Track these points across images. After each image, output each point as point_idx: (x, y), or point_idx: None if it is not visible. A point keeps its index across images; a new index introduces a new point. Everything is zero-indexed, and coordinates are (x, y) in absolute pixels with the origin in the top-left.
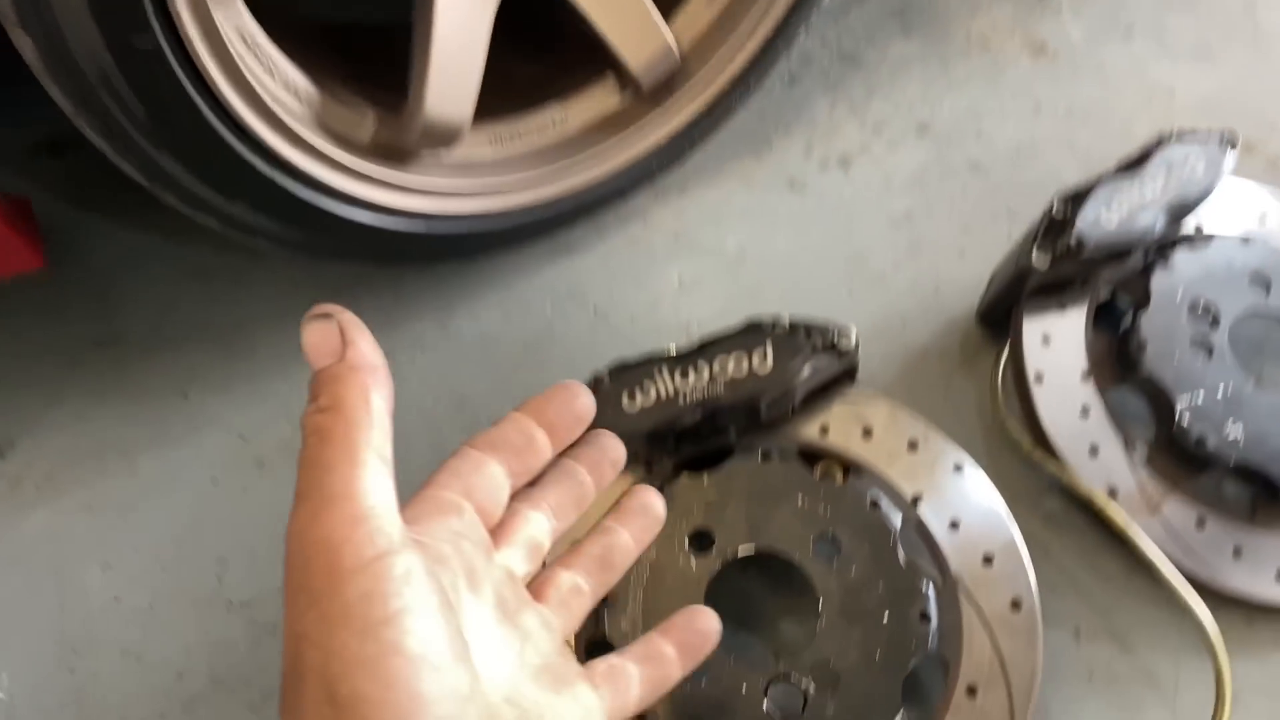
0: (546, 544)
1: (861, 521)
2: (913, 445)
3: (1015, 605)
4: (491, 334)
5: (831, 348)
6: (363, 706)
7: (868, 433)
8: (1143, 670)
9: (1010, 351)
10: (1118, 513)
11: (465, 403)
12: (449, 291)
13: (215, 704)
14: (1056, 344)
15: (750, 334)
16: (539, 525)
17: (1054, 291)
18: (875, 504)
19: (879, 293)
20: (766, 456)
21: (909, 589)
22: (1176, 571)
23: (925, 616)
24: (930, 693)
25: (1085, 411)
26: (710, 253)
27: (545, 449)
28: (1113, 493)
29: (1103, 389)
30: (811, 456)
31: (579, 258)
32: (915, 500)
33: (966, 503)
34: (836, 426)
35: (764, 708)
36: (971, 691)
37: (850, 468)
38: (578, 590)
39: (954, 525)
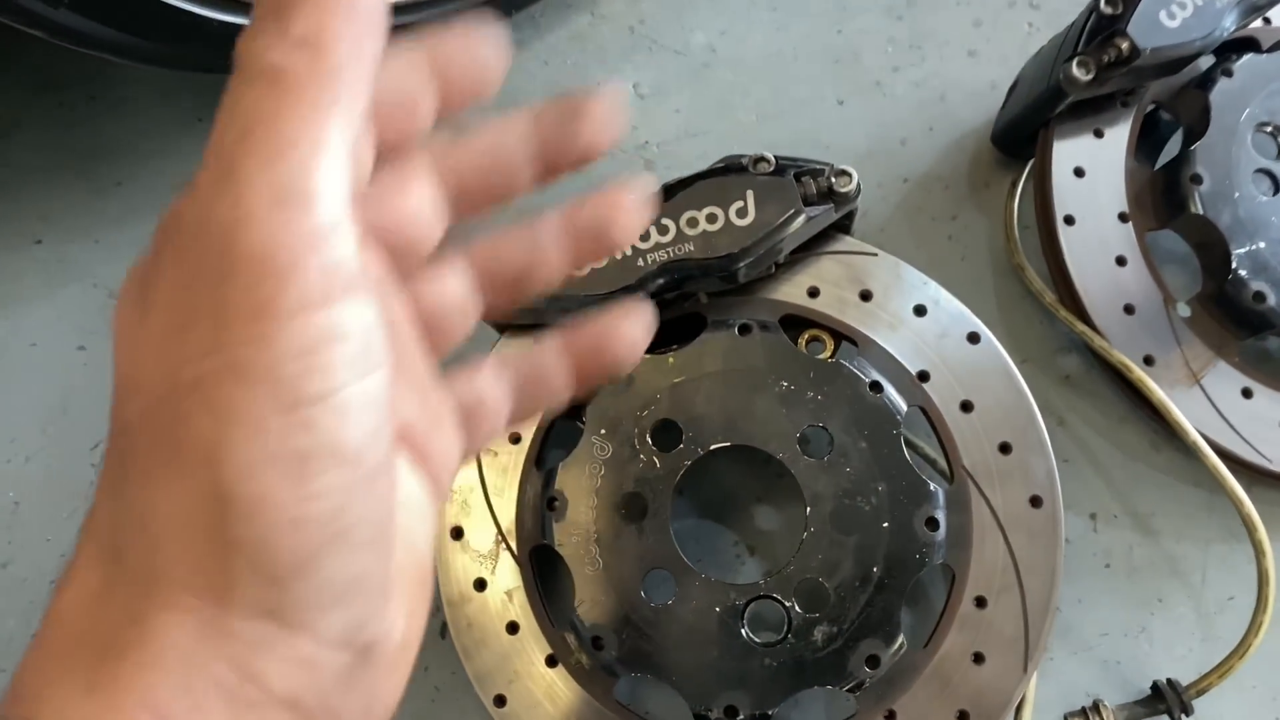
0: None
1: (859, 408)
2: (920, 311)
3: (1034, 502)
4: None
5: (827, 194)
6: (262, 522)
7: (865, 296)
8: (1167, 559)
9: (1036, 187)
10: (1151, 383)
11: None
12: None
13: None
14: (1092, 178)
15: (727, 177)
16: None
17: (1091, 112)
18: (876, 386)
19: (874, 102)
20: (745, 330)
21: (914, 490)
22: (1210, 450)
23: (933, 523)
24: (931, 603)
25: (1121, 260)
26: (673, 53)
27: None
28: (1148, 359)
29: (1142, 233)
30: (796, 324)
31: (513, 63)
32: (921, 377)
33: (982, 381)
34: (828, 289)
35: (740, 632)
36: (980, 602)
37: (843, 338)
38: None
39: (966, 407)
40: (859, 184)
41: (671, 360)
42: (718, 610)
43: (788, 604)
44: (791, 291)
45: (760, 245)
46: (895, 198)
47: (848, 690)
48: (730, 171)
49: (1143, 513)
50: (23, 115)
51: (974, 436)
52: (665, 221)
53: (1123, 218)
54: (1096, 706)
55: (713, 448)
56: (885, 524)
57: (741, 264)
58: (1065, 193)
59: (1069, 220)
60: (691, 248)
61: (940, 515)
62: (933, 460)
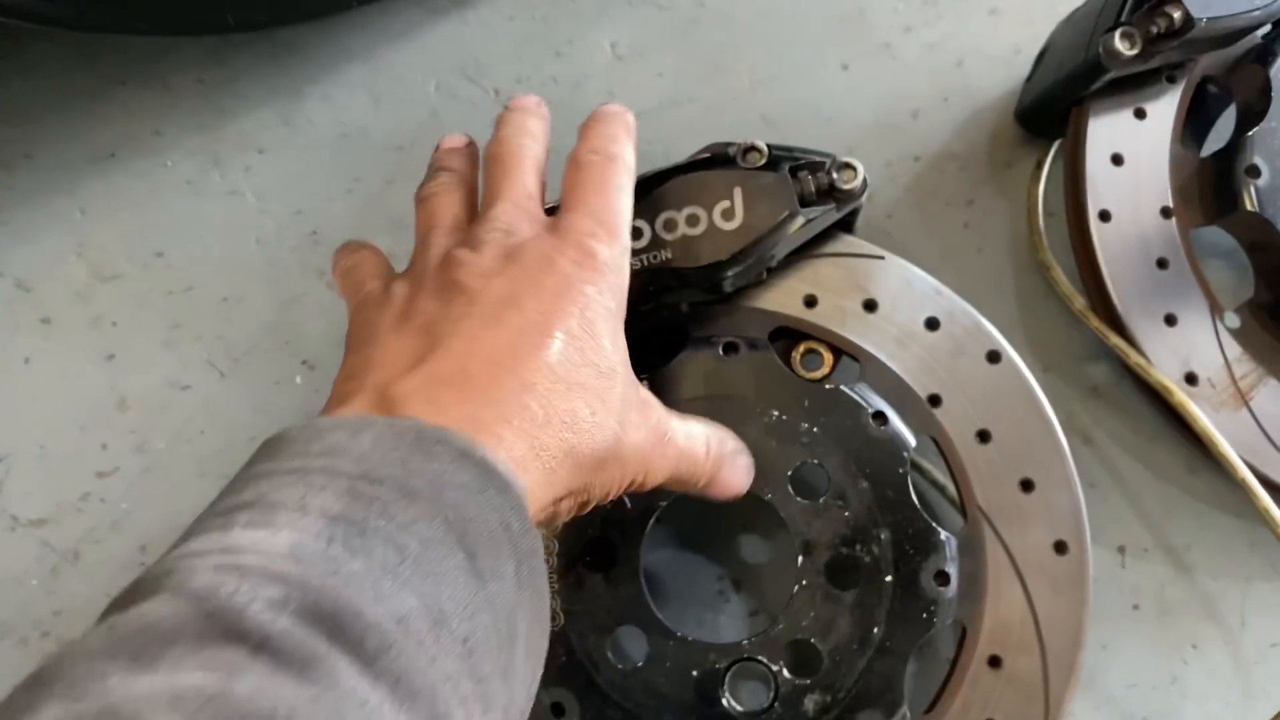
0: None
1: (860, 442)
2: (932, 324)
3: (1059, 548)
4: (354, 127)
5: (829, 192)
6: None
7: (870, 306)
8: (1202, 599)
9: (1067, 177)
10: (1195, 409)
11: (320, 230)
12: (294, 68)
13: (1, 656)
14: (1132, 167)
15: (710, 172)
16: None
17: (1132, 87)
18: (880, 417)
19: (882, 67)
20: (730, 349)
21: (922, 539)
22: (1257, 482)
23: (943, 578)
24: (936, 658)
25: (1163, 263)
26: (655, 7)
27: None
28: (1190, 377)
29: (1186, 231)
30: (791, 334)
31: (473, 16)
32: (933, 401)
33: (1001, 407)
34: (827, 298)
35: (721, 699)
36: (994, 662)
37: (843, 352)
38: None
39: (983, 437)
40: (865, 179)
41: (646, 385)
42: (695, 674)
43: (775, 668)
44: (785, 300)
45: (749, 253)
46: (905, 178)
47: None
48: (715, 164)
49: (1176, 546)
50: None
51: (991, 471)
52: (638, 224)
53: (1165, 213)
54: None
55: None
56: (889, 578)
57: (728, 274)
58: (1101, 184)
59: (1104, 216)
60: (669, 255)
61: (952, 569)
62: (942, 487)
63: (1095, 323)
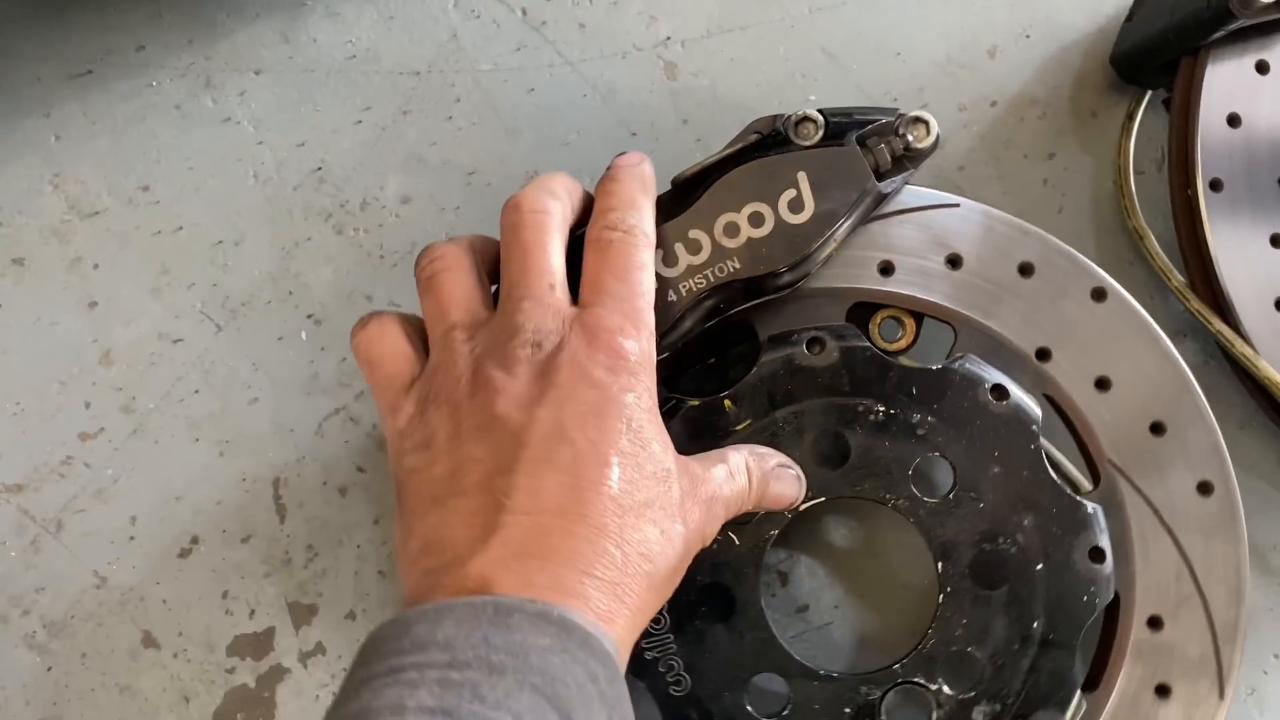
0: None
1: (984, 423)
2: (1025, 270)
3: (1203, 489)
4: (363, 48)
5: (903, 156)
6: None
7: (954, 262)
8: None
9: (1175, 138)
10: None
11: (326, 165)
12: None
13: None
14: (1249, 129)
15: (767, 158)
16: None
17: (1257, 35)
18: (1000, 390)
19: (956, 1)
20: (815, 344)
21: (1069, 516)
22: None
23: (1098, 554)
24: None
25: (1277, 240)
26: None
27: None
28: None
29: None
30: (864, 307)
31: None
32: (1041, 355)
33: (1116, 348)
34: (904, 261)
35: None
36: (1155, 623)
37: (923, 316)
38: None
39: (1102, 385)
40: (939, 136)
41: (729, 405)
42: (848, 711)
43: (934, 687)
44: (855, 272)
45: (826, 244)
46: (979, 125)
47: None
48: (768, 147)
49: (1262, 545)
50: None
51: (1117, 420)
52: (695, 235)
53: None
54: None
55: (802, 508)
56: (1039, 565)
57: (807, 273)
58: (1213, 147)
59: (1215, 185)
60: (737, 265)
61: (1105, 542)
62: (1056, 463)
63: (1195, 303)
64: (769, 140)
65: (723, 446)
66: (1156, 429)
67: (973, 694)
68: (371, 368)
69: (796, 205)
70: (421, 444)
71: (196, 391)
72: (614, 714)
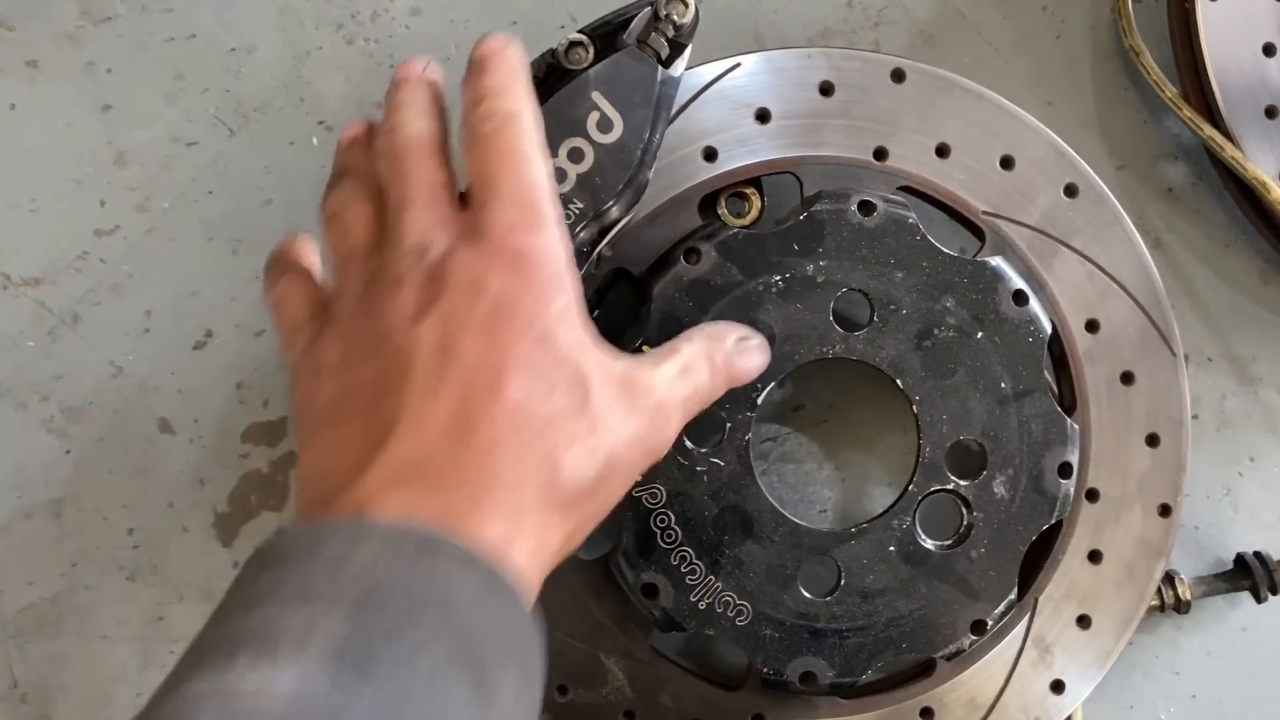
0: None
1: (865, 242)
2: (826, 90)
3: (1070, 192)
4: None
5: (675, 37)
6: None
7: (762, 117)
8: (1264, 411)
9: None
10: None
11: None
12: None
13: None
14: None
15: (559, 94)
16: None
17: None
18: (866, 206)
19: None
20: (692, 255)
21: (978, 278)
22: None
23: (1021, 296)
24: None
25: (1270, 49)
26: None
27: None
28: None
29: None
30: (710, 198)
31: None
32: (879, 155)
33: (936, 115)
34: (721, 138)
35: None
36: (1092, 327)
37: (759, 180)
38: None
39: (942, 152)
40: (697, 7)
41: (647, 348)
42: (893, 550)
43: (950, 486)
44: (685, 171)
45: (650, 145)
46: None
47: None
48: (553, 84)
49: (1242, 356)
50: None
51: (969, 175)
52: None
53: None
54: (1170, 577)
55: (759, 399)
56: (979, 334)
57: (643, 180)
58: None
59: None
60: (580, 205)
61: (1021, 283)
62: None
63: (1188, 112)
64: (550, 77)
65: None
66: (1006, 163)
67: (985, 473)
68: (276, 311)
69: (605, 125)
70: (313, 370)
71: (210, 192)
72: (526, 663)
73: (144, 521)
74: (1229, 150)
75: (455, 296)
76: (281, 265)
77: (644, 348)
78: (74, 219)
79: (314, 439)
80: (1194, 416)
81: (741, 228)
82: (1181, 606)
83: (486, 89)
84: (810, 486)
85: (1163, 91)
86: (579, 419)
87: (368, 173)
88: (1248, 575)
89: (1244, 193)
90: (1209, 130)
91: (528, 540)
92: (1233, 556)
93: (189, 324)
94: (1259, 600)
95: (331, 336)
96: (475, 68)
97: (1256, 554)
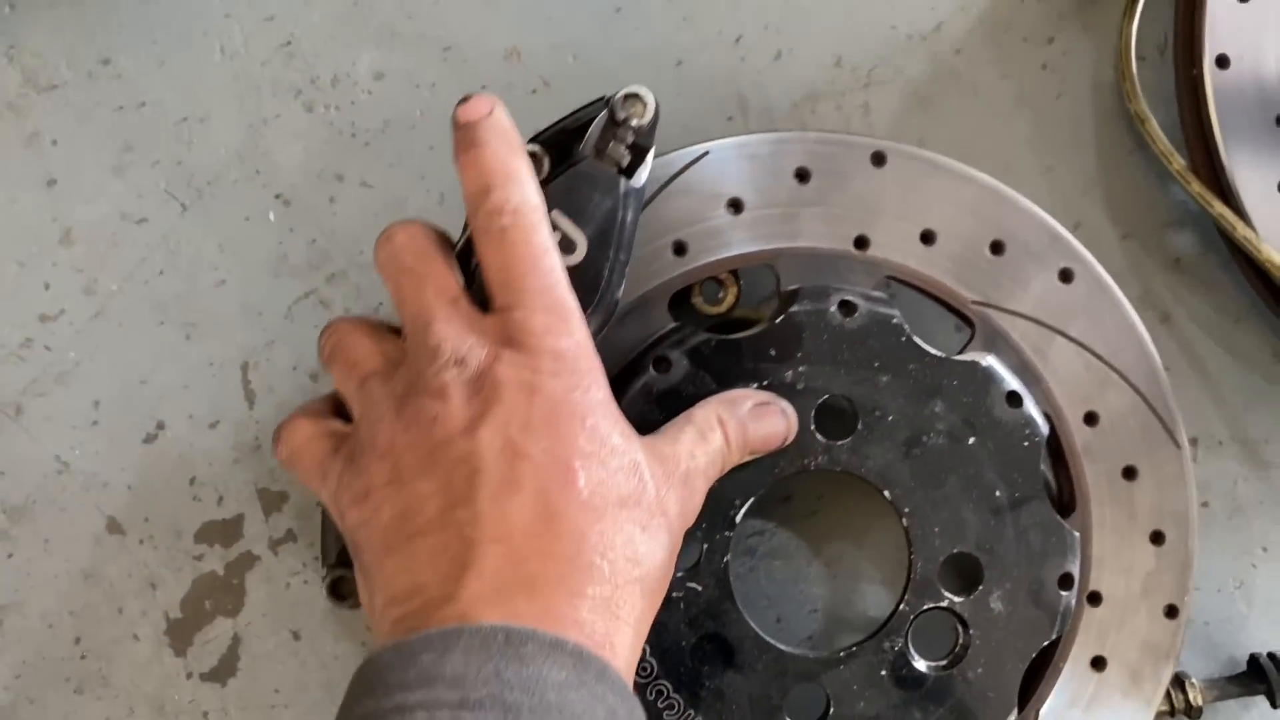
0: None
1: (846, 344)
2: (803, 176)
3: (1065, 277)
4: None
5: (636, 141)
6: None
7: (735, 206)
8: (1277, 497)
9: (1181, 12)
10: None
11: (295, 39)
12: None
13: None
14: (1260, 4)
15: None
16: None
17: None
18: (848, 306)
19: None
20: (661, 364)
21: (969, 378)
22: None
23: (1015, 397)
24: None
25: None
26: None
27: None
28: None
29: None
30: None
31: None
32: (860, 244)
33: (920, 199)
34: (692, 230)
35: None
36: (1091, 419)
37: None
38: None
39: (927, 239)
40: (657, 104)
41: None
42: (884, 674)
43: (944, 604)
44: (656, 267)
45: (617, 263)
46: (978, 6)
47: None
48: None
49: (1254, 439)
50: None
51: (956, 261)
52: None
53: None
54: (1180, 681)
55: (738, 518)
56: (971, 440)
57: (613, 299)
58: (1222, 22)
59: (1222, 61)
60: None
61: (1013, 381)
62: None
63: (1197, 187)
64: None
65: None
66: (997, 249)
67: (981, 588)
68: (294, 464)
69: (567, 245)
70: (360, 495)
71: (161, 273)
72: None
73: (91, 629)
74: (1241, 230)
75: (510, 401)
76: (285, 422)
77: None
78: (17, 303)
79: (387, 559)
80: (1204, 504)
81: (717, 315)
82: (1193, 712)
83: (489, 174)
84: (799, 584)
85: (1170, 163)
86: (643, 501)
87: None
88: (1262, 679)
89: (1255, 271)
90: (1220, 207)
91: (627, 629)
92: (1246, 655)
93: (139, 415)
94: (1274, 706)
95: (371, 458)
96: (467, 139)
97: (1271, 655)
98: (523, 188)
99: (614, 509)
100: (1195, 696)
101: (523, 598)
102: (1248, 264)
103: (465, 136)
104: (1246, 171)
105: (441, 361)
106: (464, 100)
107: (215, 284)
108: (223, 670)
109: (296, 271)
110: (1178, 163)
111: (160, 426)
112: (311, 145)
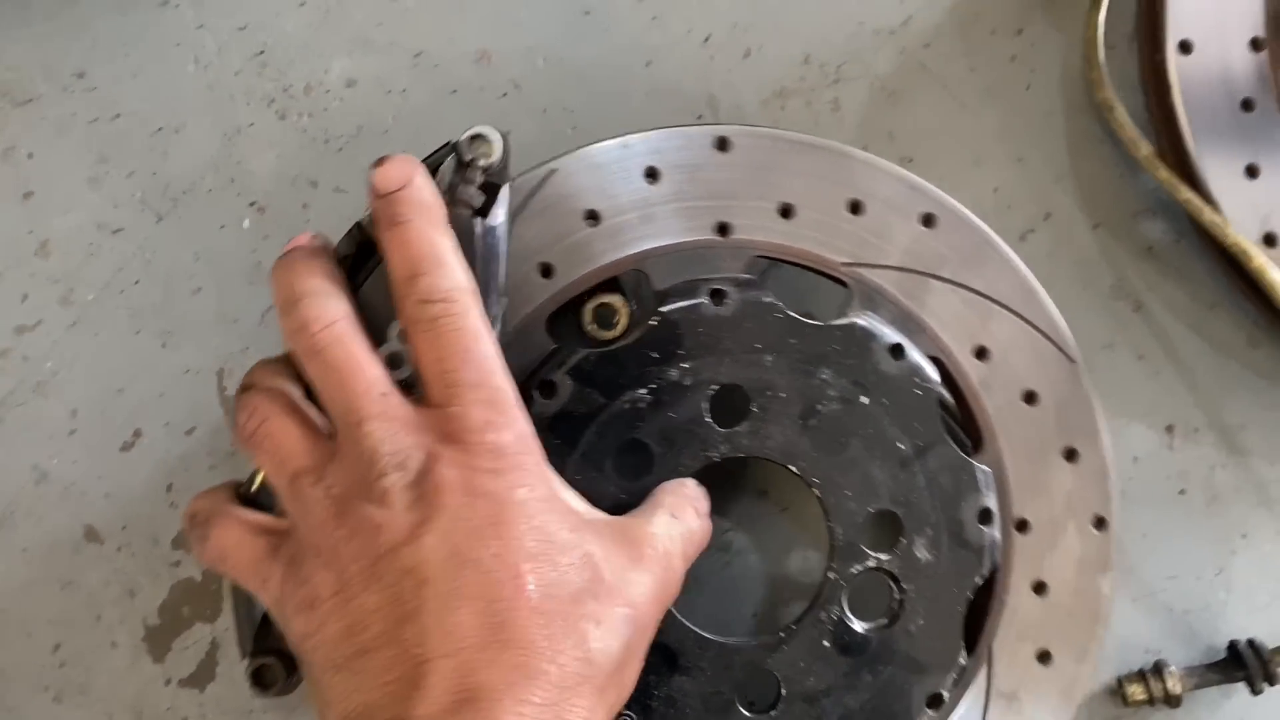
0: None
1: (727, 331)
2: (652, 175)
3: (928, 221)
4: None
5: (488, 180)
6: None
7: (593, 217)
8: (1256, 485)
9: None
10: (1273, 273)
11: (269, 49)
12: None
13: None
14: None
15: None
16: None
17: None
18: (718, 295)
19: None
20: (546, 389)
21: (849, 341)
22: None
23: (898, 349)
24: None
25: (1248, 104)
26: None
27: None
28: (1269, 238)
29: (1278, 66)
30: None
31: None
32: (723, 230)
33: (781, 175)
34: (556, 249)
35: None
36: (981, 354)
37: (615, 281)
38: None
39: (787, 213)
40: (504, 142)
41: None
42: (827, 645)
43: (872, 564)
44: (527, 291)
45: (492, 304)
46: (945, 1)
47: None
48: (365, 257)
49: (1230, 425)
50: None
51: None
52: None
53: (1255, 45)
54: (1159, 669)
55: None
56: (863, 398)
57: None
58: (1183, 9)
59: (1184, 47)
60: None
61: (892, 335)
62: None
63: (1164, 173)
64: (361, 254)
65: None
66: (855, 209)
67: (903, 540)
68: (225, 564)
69: None
70: (305, 604)
71: (137, 282)
72: None
73: (70, 637)
74: (1208, 215)
75: (453, 505)
76: (204, 514)
77: None
78: None
79: (336, 675)
80: (1181, 491)
81: (616, 339)
82: (1172, 700)
83: (416, 259)
84: (732, 572)
85: (1137, 150)
86: (596, 594)
87: (274, 378)
88: (1241, 666)
89: (1224, 256)
90: (1186, 192)
91: None
92: (1226, 643)
93: (116, 423)
94: (1254, 692)
95: (315, 566)
96: (389, 214)
97: (1250, 642)
98: (452, 272)
99: (565, 608)
100: (1174, 685)
101: (469, 710)
102: (1217, 249)
103: (387, 211)
104: (1213, 156)
105: (380, 467)
106: (379, 162)
107: (191, 292)
108: (201, 675)
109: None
110: (1145, 149)
111: (137, 434)
112: (285, 152)
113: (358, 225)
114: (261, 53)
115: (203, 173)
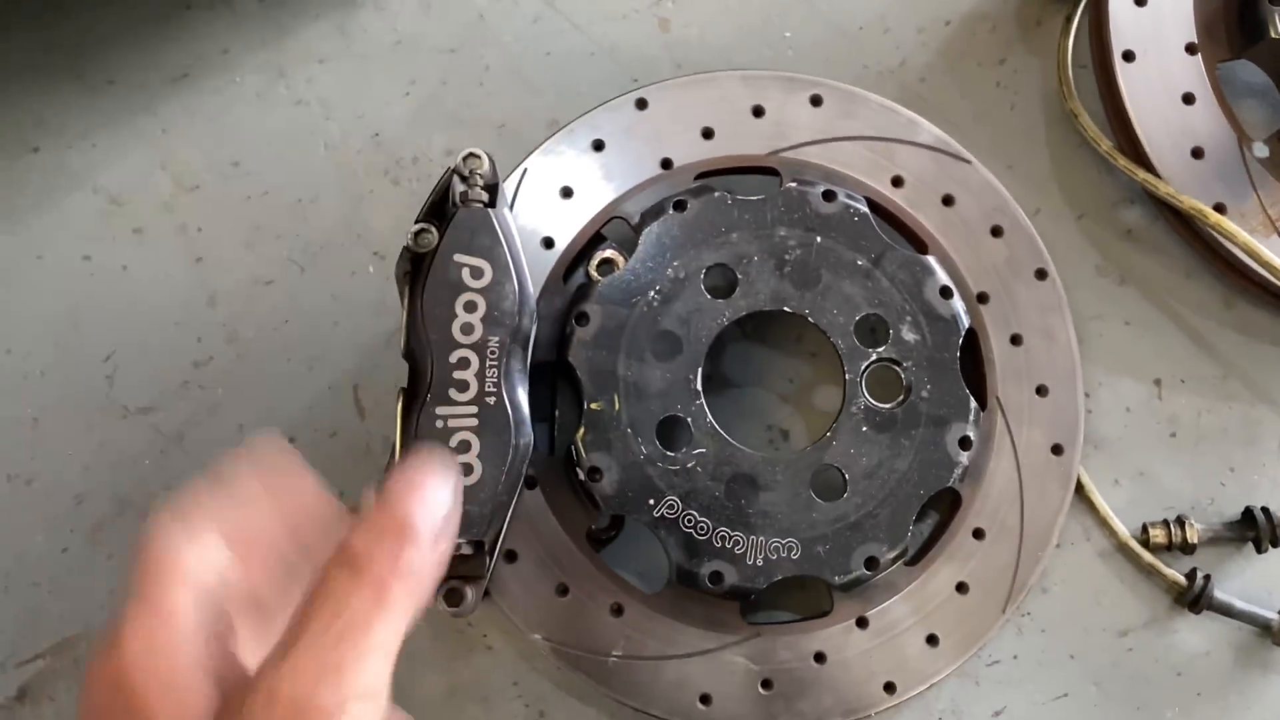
0: None
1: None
2: (599, 146)
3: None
4: (406, 33)
5: (486, 188)
6: None
7: (566, 193)
8: (1241, 424)
9: (1091, 19)
10: (1231, 224)
11: (382, 131)
12: None
13: (123, 528)
14: (1155, 6)
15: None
16: None
17: None
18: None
19: None
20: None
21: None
22: None
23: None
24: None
25: (1189, 98)
26: None
27: None
28: (1219, 207)
29: (1213, 66)
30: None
31: None
32: (665, 165)
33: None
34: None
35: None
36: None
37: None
38: None
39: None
40: (490, 158)
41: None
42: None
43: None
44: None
45: (523, 267)
46: (936, 42)
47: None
48: (421, 265)
49: (1213, 375)
50: (9, 12)
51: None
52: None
53: (1190, 49)
54: (1181, 520)
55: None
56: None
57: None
58: (1124, 24)
59: (1128, 56)
60: (497, 338)
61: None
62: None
63: (1123, 161)
64: (418, 264)
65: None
66: (758, 113)
67: (891, 331)
68: None
69: (477, 273)
70: None
71: (286, 321)
72: None
73: None
74: (1164, 188)
75: None
76: None
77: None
78: (176, 354)
79: None
80: (1172, 435)
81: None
82: (1188, 548)
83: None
84: (765, 409)
85: (1100, 145)
86: None
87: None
88: (1253, 527)
89: (1190, 230)
90: (1143, 174)
91: None
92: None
93: (275, 433)
94: (1260, 551)
95: None
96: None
97: (1264, 509)
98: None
99: None
100: (1192, 535)
101: None
102: (1181, 223)
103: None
104: (1162, 144)
105: None
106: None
107: (330, 325)
108: None
109: (392, 310)
110: (1105, 144)
111: (291, 440)
112: (399, 211)
113: (405, 248)
114: (377, 134)
115: (335, 232)
